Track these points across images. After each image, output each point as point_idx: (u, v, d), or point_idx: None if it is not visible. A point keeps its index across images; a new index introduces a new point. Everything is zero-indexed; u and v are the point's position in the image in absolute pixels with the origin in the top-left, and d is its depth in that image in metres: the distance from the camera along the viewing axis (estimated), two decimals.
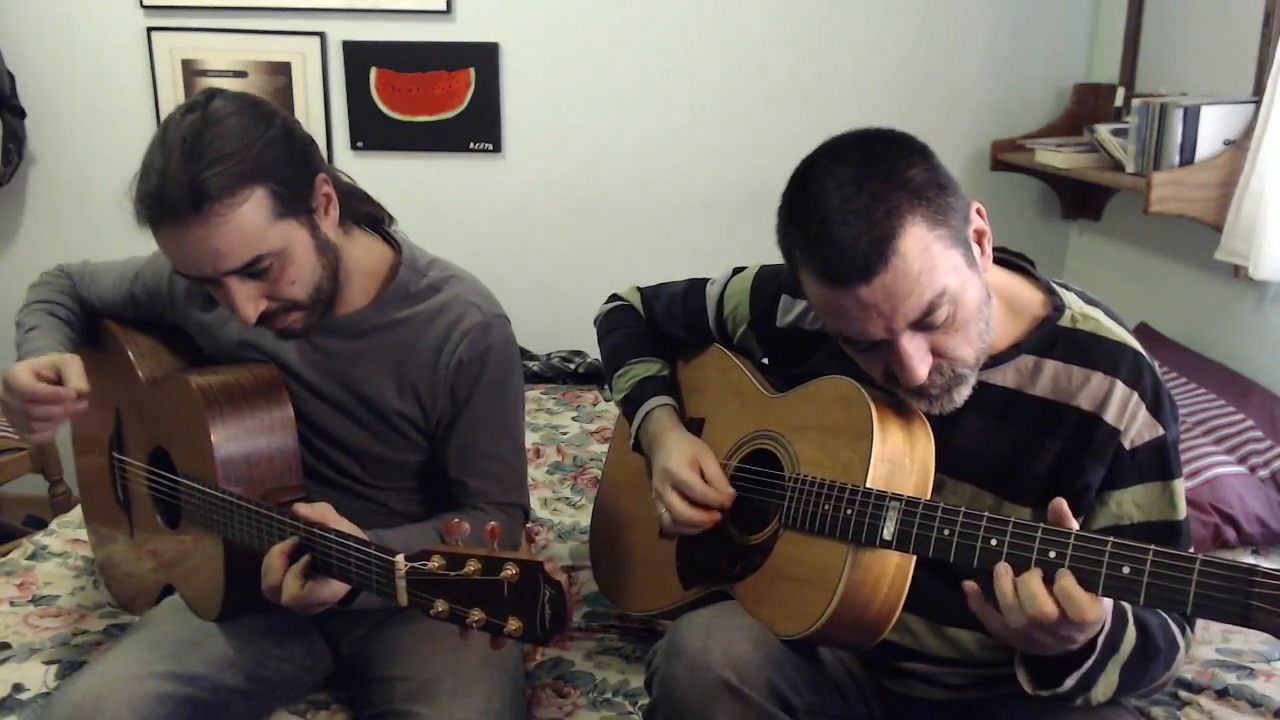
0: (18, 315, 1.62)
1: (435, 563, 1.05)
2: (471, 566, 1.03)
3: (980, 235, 1.17)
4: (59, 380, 1.41)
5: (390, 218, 1.54)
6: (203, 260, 1.28)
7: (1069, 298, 1.27)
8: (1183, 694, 1.55)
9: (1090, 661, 1.08)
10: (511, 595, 1.01)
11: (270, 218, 1.28)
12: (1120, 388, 1.20)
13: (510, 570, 1.01)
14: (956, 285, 1.11)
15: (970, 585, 1.06)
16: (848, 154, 1.12)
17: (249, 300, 1.31)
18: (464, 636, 1.06)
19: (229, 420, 1.40)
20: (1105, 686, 1.12)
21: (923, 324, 1.11)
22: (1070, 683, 1.09)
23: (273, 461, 1.43)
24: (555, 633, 1.01)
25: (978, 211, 1.17)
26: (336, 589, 1.26)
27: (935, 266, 1.09)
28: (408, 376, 1.46)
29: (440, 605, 1.05)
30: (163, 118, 1.31)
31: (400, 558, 1.09)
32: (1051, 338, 1.24)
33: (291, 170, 1.30)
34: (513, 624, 1.01)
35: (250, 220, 1.26)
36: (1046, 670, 1.11)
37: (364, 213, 1.49)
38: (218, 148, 1.24)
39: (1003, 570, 1.04)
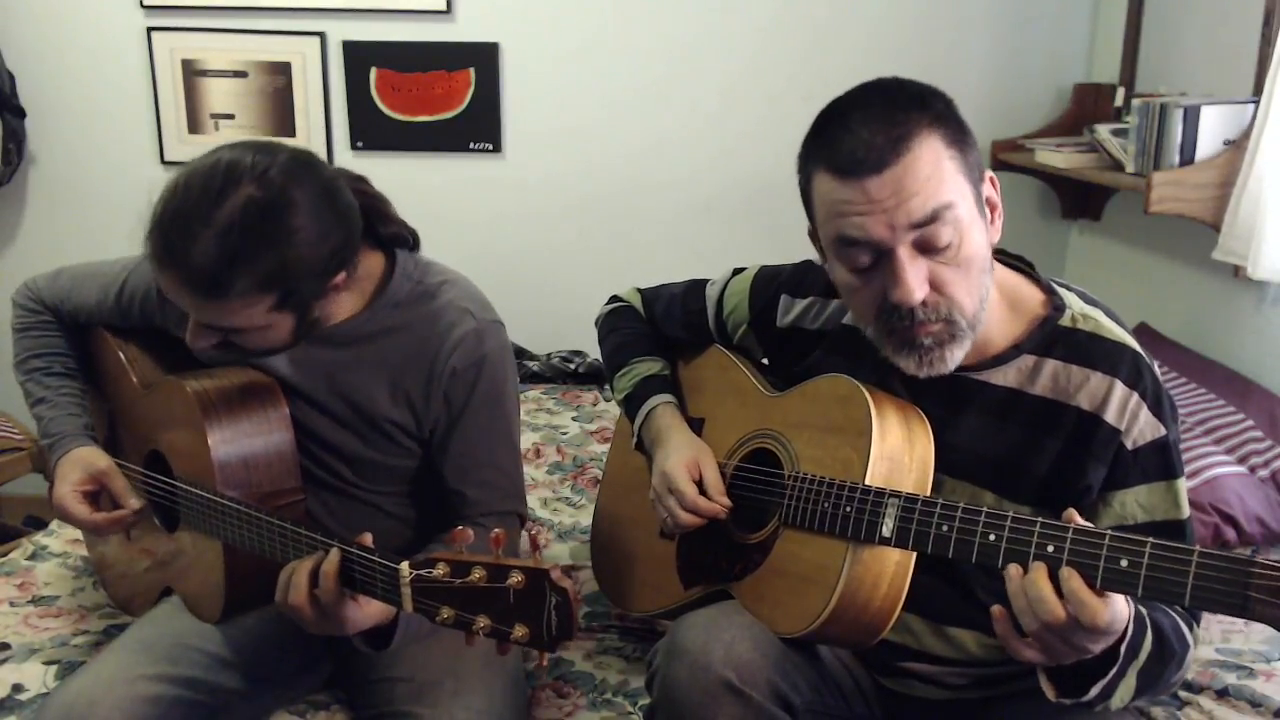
0: (18, 373, 1.61)
1: (440, 570, 1.06)
2: (477, 574, 1.03)
3: (991, 205, 1.19)
4: (101, 485, 1.49)
5: (416, 239, 1.50)
6: (189, 311, 1.30)
7: (1069, 298, 1.27)
8: (1183, 694, 1.55)
9: (1114, 670, 1.07)
10: (517, 602, 1.02)
11: (266, 310, 1.30)
12: (1120, 388, 1.20)
13: (516, 578, 1.01)
14: (965, 213, 1.13)
15: (998, 609, 1.06)
16: (877, 85, 1.18)
17: (205, 338, 1.34)
18: (470, 642, 1.07)
19: (225, 424, 1.40)
20: (1124, 692, 1.11)
21: (924, 242, 1.12)
22: (1095, 691, 1.08)
23: (270, 465, 1.43)
24: (562, 639, 1.02)
25: (990, 181, 1.20)
26: (365, 614, 1.23)
27: (944, 180, 1.12)
28: (401, 384, 1.45)
29: (446, 612, 1.06)
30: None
31: (405, 565, 1.09)
32: (1051, 337, 1.24)
33: (312, 283, 1.31)
34: (519, 630, 1.02)
35: (249, 313, 1.29)
36: (1066, 677, 1.10)
37: (385, 234, 1.45)
38: (262, 248, 1.23)
39: (1013, 572, 1.04)
